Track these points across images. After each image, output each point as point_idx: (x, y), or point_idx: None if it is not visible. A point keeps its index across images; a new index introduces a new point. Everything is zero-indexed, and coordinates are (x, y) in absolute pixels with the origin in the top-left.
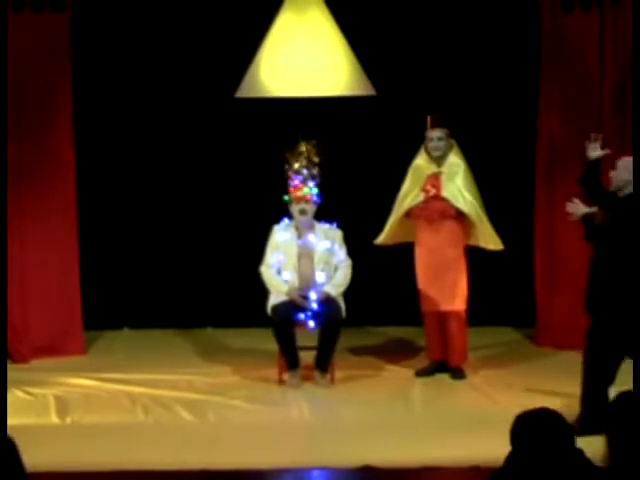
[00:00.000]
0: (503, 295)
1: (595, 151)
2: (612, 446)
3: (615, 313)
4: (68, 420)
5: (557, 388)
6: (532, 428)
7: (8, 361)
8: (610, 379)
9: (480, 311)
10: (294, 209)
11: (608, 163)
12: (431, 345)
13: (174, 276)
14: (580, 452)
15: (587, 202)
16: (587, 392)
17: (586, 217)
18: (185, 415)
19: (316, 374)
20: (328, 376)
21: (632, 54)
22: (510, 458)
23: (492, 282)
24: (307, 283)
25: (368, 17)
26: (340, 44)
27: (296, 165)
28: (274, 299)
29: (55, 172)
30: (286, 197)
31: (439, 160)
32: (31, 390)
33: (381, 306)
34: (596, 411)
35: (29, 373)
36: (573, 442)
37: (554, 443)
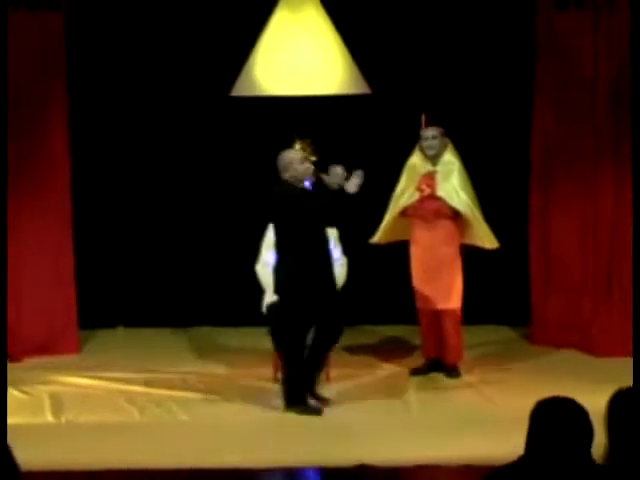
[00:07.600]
0: (498, 293)
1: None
2: (612, 444)
3: None
4: (63, 419)
5: (553, 386)
6: (552, 414)
7: None
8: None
9: (475, 309)
10: None
11: None
12: (426, 343)
13: (169, 274)
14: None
15: None
16: None
17: None
18: (180, 414)
19: None
20: (323, 375)
21: (630, 54)
22: (527, 446)
23: (487, 280)
24: None
25: (363, 15)
26: (335, 42)
27: None
28: (269, 298)
29: (50, 171)
30: None
31: (434, 159)
32: (26, 389)
33: (376, 304)
34: None
35: (23, 372)
36: (590, 427)
37: (573, 430)
